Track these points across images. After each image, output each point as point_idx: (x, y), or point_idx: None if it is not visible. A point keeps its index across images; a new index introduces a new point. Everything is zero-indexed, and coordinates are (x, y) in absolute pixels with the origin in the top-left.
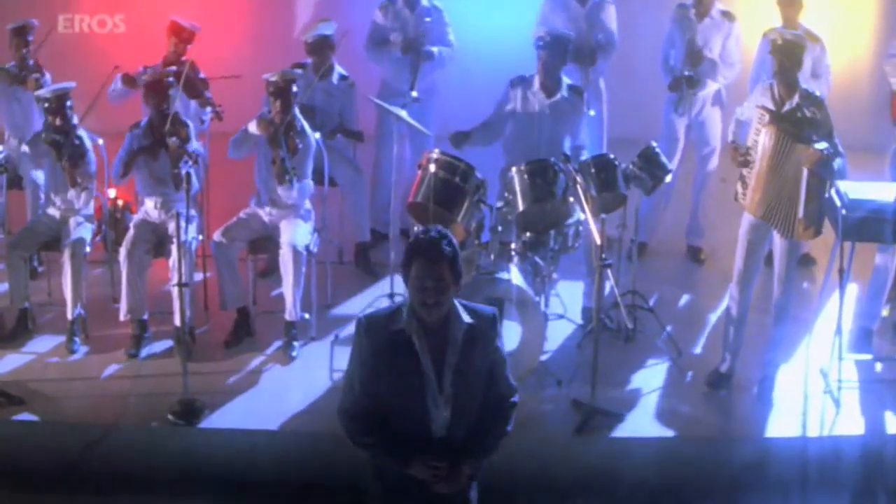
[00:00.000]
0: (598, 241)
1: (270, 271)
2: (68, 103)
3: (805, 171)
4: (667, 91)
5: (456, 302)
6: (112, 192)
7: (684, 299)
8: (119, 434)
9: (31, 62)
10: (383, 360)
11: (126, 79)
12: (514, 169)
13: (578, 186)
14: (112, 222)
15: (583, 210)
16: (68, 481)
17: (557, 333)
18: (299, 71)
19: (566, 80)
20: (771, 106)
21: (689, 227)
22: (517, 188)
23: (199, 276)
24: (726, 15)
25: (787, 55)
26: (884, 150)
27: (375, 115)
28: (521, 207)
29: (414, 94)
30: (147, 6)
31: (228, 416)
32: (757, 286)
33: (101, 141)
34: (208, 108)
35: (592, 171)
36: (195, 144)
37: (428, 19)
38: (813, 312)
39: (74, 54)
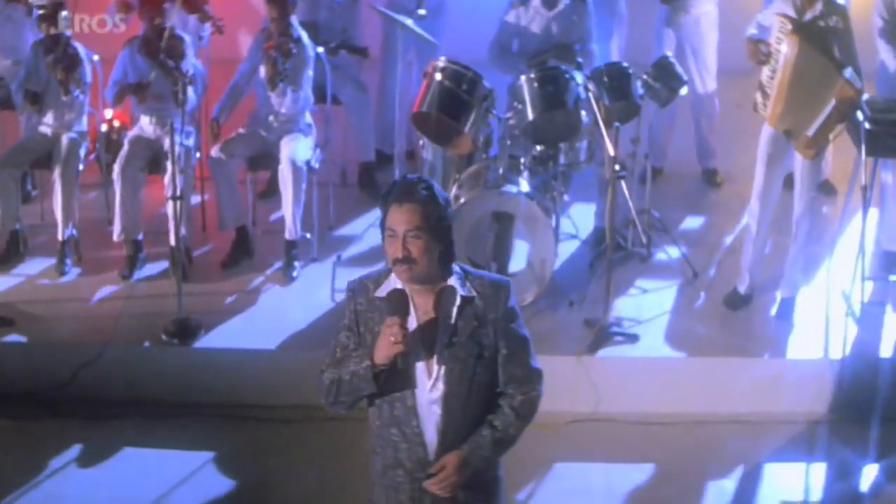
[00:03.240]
0: (612, 152)
1: (271, 192)
2: (63, 13)
3: (833, 101)
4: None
5: (457, 267)
6: (108, 113)
7: (700, 222)
8: (111, 354)
9: None
10: (369, 330)
11: (120, 4)
12: (523, 77)
13: (591, 94)
14: (107, 144)
15: (595, 119)
16: (60, 404)
17: (568, 254)
18: None
19: None
20: (792, 14)
21: (699, 149)
22: (527, 96)
23: (197, 199)
24: None
25: None
26: None
27: (381, 31)
28: (530, 116)
29: (421, 11)
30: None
31: (225, 336)
32: (778, 206)
33: (96, 57)
34: (208, 24)
35: (605, 79)
36: (193, 61)
37: None
38: (833, 236)
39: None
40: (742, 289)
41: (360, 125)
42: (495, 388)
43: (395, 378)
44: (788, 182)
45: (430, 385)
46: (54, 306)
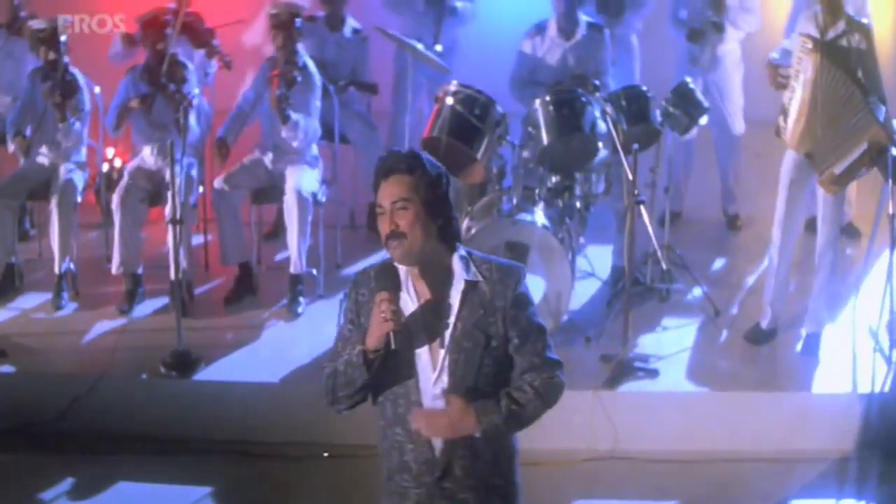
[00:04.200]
0: (630, 176)
1: (276, 234)
2: (62, 38)
3: (864, 143)
4: (679, 50)
5: (463, 251)
6: (110, 152)
7: (721, 263)
8: (107, 386)
9: (23, 14)
10: (361, 330)
11: (126, 38)
12: (538, 101)
13: (608, 117)
14: (108, 183)
15: (613, 145)
16: (53, 437)
17: (585, 292)
18: (310, 24)
19: (584, 19)
20: (815, 33)
21: (723, 195)
22: (541, 121)
23: (199, 239)
24: None
25: None
26: None
27: (392, 67)
28: (545, 141)
29: (439, 48)
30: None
31: (226, 369)
32: (801, 248)
33: (97, 89)
34: (214, 60)
35: (623, 102)
36: (196, 91)
37: None
38: (859, 273)
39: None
40: (764, 323)
41: (369, 164)
42: (506, 383)
43: (395, 366)
44: (811, 226)
45: (434, 377)
46: (49, 339)
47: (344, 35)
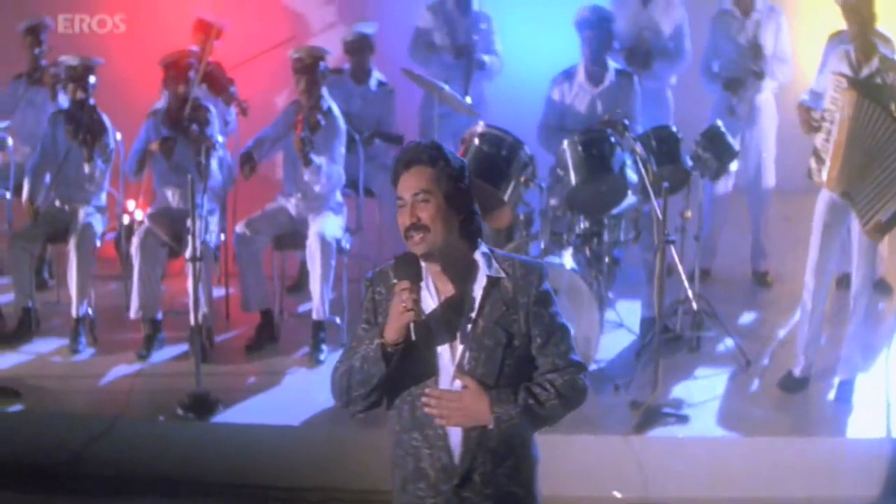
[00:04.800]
0: (659, 215)
1: (300, 287)
2: (92, 79)
3: None
4: (714, 102)
5: (485, 248)
6: (131, 204)
7: (751, 317)
8: (123, 427)
9: (44, 62)
10: (380, 325)
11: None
12: (566, 141)
13: (638, 156)
14: (128, 235)
15: (643, 186)
16: (68, 479)
17: (614, 344)
18: (336, 77)
19: (613, 65)
20: (848, 72)
21: (753, 250)
22: (570, 161)
23: (220, 292)
24: (773, 9)
25: (861, 13)
26: None
27: (418, 118)
28: (573, 181)
29: (468, 100)
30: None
31: (245, 413)
32: (834, 303)
33: (119, 136)
34: (233, 107)
35: (653, 143)
36: (220, 139)
37: (484, 25)
38: (891, 326)
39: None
40: (797, 371)
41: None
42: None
43: (414, 364)
44: (844, 283)
45: (453, 377)
46: (65, 381)
47: (370, 88)
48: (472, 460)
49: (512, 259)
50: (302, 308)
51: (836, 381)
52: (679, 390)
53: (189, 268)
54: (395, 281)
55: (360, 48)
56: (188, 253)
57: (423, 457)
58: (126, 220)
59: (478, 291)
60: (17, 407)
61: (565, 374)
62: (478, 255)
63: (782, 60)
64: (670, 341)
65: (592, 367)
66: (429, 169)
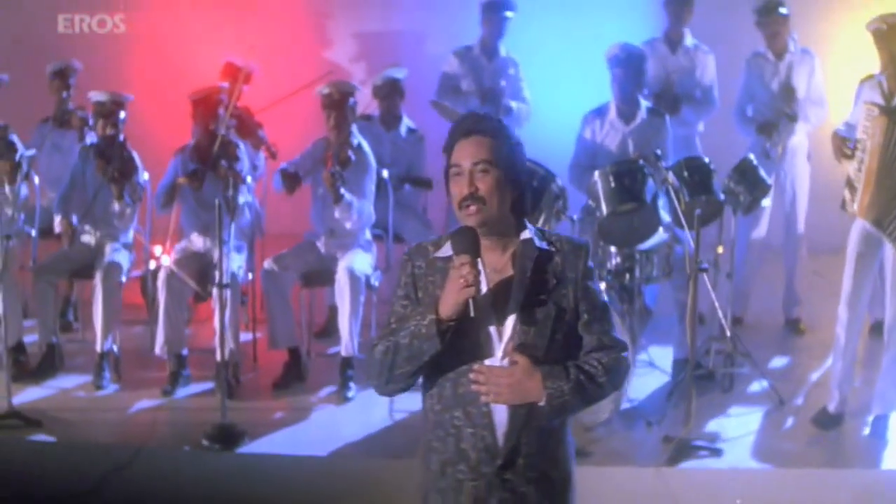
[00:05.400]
0: (692, 245)
1: (328, 332)
2: (122, 114)
3: None
4: (748, 147)
5: (531, 227)
6: (157, 250)
7: (784, 361)
8: (147, 457)
9: (71, 106)
10: (429, 295)
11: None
12: (597, 172)
13: (670, 185)
14: (154, 280)
15: (675, 216)
16: None
17: (646, 385)
18: (366, 123)
19: (644, 103)
20: (881, 101)
21: (786, 297)
22: (601, 192)
23: (247, 337)
24: (806, 52)
25: (893, 40)
26: None
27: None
28: (604, 211)
29: None
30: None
31: (271, 445)
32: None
33: (146, 175)
34: (262, 151)
35: (685, 173)
36: (249, 181)
37: (511, 71)
38: None
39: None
40: (832, 407)
41: None
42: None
43: (467, 340)
44: (877, 330)
45: (500, 351)
46: (88, 413)
47: (400, 134)
48: (516, 440)
49: (558, 234)
50: (331, 350)
51: (871, 417)
52: (712, 426)
53: (215, 294)
54: (434, 256)
55: (389, 92)
56: (216, 279)
57: (465, 436)
58: (153, 265)
59: (528, 265)
60: (39, 436)
61: (611, 352)
62: (526, 232)
63: (816, 103)
64: (703, 379)
65: (625, 405)
66: (489, 140)
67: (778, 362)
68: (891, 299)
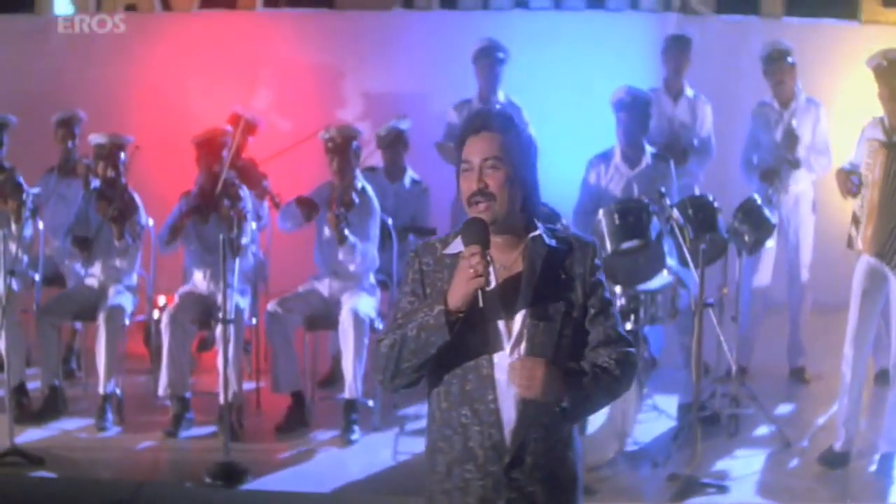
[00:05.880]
0: (697, 286)
1: (332, 382)
2: (122, 156)
3: None
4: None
5: (541, 225)
6: (161, 300)
7: (789, 408)
8: (149, 493)
9: (77, 156)
10: (437, 291)
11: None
12: (602, 210)
13: (675, 222)
14: (158, 329)
15: (679, 254)
16: None
17: (652, 429)
18: (370, 174)
19: (649, 149)
20: (882, 138)
21: (790, 346)
22: (605, 230)
23: (250, 386)
24: (811, 101)
25: (893, 75)
26: None
27: (450, 214)
28: (609, 249)
29: None
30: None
31: (274, 483)
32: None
33: (151, 222)
34: (265, 201)
35: (689, 211)
36: (252, 225)
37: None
38: None
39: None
40: (838, 445)
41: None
42: (581, 359)
43: (472, 337)
44: (882, 378)
45: (509, 346)
46: (90, 452)
47: (403, 185)
48: (523, 437)
49: (566, 231)
50: (335, 398)
51: (878, 455)
52: (718, 465)
53: (219, 332)
54: (442, 253)
55: (393, 143)
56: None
57: (473, 434)
58: (156, 314)
59: (538, 262)
60: (40, 472)
61: (618, 346)
62: (536, 231)
63: (820, 152)
64: (708, 422)
65: (631, 447)
66: (500, 136)
67: (783, 409)
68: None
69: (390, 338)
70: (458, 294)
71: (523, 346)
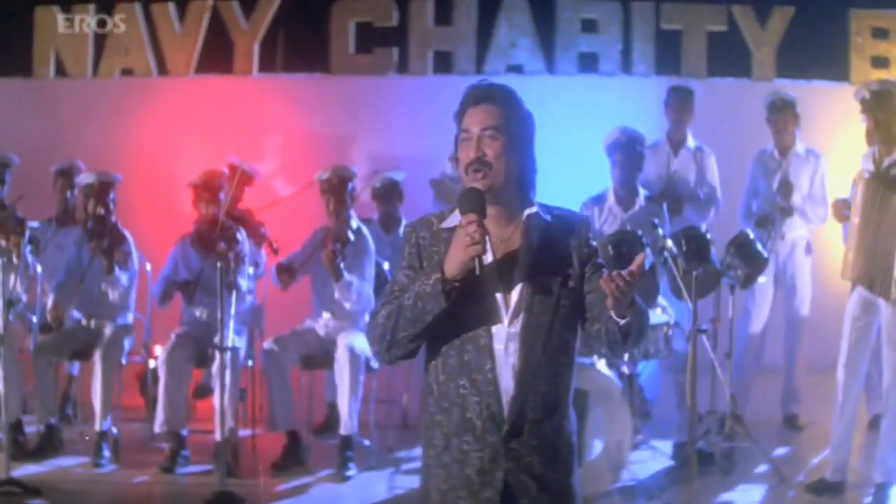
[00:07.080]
0: (690, 308)
1: (328, 428)
2: (112, 195)
3: None
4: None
5: (538, 203)
6: (158, 349)
7: (784, 451)
8: None
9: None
10: (433, 263)
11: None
12: (596, 243)
13: (668, 251)
14: (154, 380)
15: (672, 284)
16: None
17: (647, 468)
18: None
19: (643, 192)
20: (872, 168)
21: (784, 393)
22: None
23: (246, 433)
24: (811, 152)
25: (879, 107)
26: None
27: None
28: None
29: None
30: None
31: None
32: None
33: (148, 266)
34: (263, 248)
35: (682, 242)
36: (249, 269)
37: None
38: None
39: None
40: (829, 475)
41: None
42: (576, 332)
43: (470, 309)
44: (874, 424)
45: (508, 318)
46: (86, 485)
47: (399, 237)
48: (521, 405)
49: (560, 208)
50: (332, 441)
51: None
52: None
53: (216, 359)
54: (439, 227)
55: (388, 194)
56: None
57: (471, 405)
58: (152, 364)
59: (535, 235)
60: (37, 502)
61: None
62: (533, 207)
63: (817, 203)
64: (703, 461)
65: (629, 483)
66: (499, 108)
67: (778, 451)
68: (888, 361)
69: (387, 308)
70: (454, 262)
71: (521, 317)
